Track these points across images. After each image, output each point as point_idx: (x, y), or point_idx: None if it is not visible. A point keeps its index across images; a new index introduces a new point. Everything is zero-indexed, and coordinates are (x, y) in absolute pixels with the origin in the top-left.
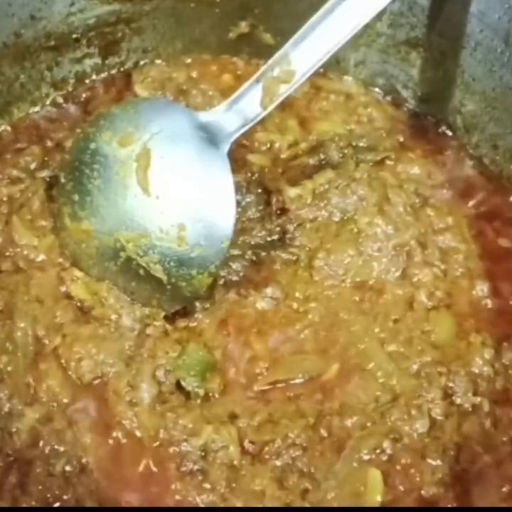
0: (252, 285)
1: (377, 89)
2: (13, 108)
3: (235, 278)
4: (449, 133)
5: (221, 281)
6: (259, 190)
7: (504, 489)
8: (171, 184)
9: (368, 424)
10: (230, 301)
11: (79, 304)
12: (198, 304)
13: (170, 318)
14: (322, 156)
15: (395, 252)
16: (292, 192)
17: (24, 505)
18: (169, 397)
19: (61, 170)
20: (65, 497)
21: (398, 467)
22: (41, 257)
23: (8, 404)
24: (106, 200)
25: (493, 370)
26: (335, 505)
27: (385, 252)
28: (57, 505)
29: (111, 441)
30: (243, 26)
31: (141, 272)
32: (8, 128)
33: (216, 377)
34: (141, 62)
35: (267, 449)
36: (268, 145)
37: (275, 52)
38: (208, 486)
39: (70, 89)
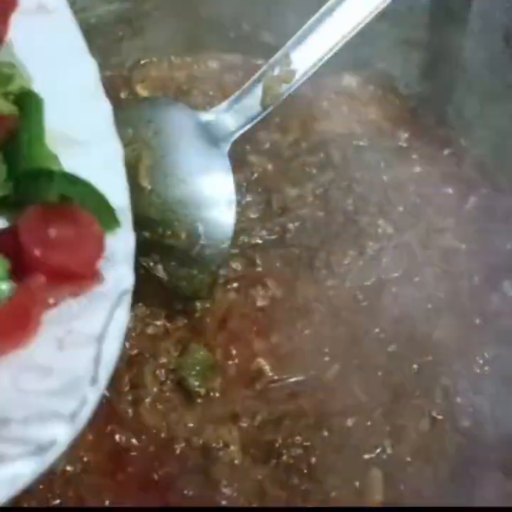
0: (253, 284)
1: (377, 89)
2: None
3: (235, 277)
4: (450, 132)
5: (221, 281)
6: (260, 190)
7: (505, 489)
8: (171, 184)
9: (369, 423)
10: (230, 301)
11: None
12: (198, 303)
13: (171, 318)
14: (323, 156)
15: (395, 252)
16: (293, 192)
17: (25, 505)
18: (170, 396)
19: None
20: (65, 497)
21: (399, 467)
22: None
23: None
24: None
25: None
26: (335, 505)
27: (385, 252)
28: (57, 504)
29: (112, 441)
30: (244, 26)
31: (142, 271)
32: None
33: (217, 376)
34: (142, 62)
35: (267, 448)
36: (269, 144)
37: (276, 52)
38: (208, 485)
39: None
